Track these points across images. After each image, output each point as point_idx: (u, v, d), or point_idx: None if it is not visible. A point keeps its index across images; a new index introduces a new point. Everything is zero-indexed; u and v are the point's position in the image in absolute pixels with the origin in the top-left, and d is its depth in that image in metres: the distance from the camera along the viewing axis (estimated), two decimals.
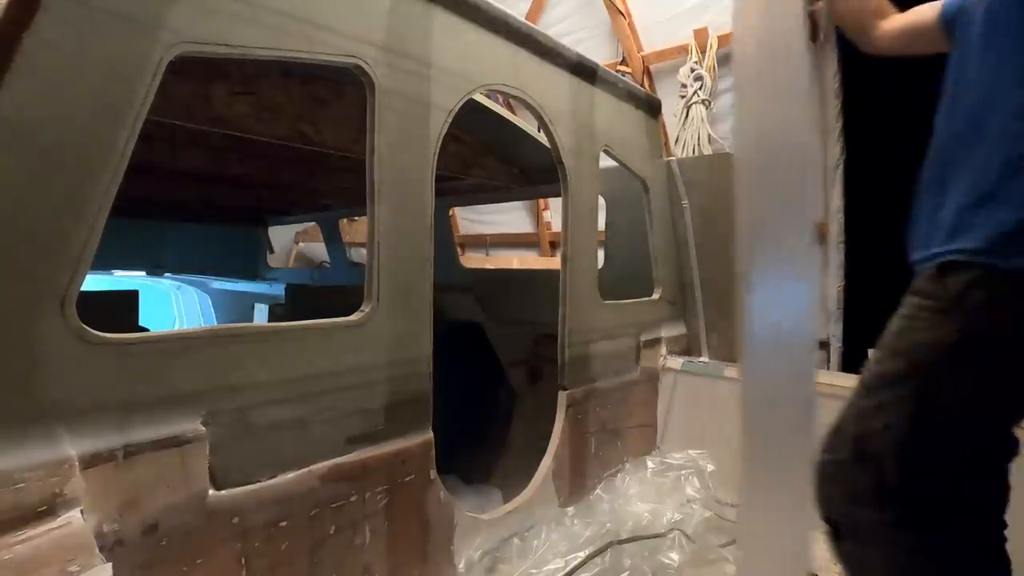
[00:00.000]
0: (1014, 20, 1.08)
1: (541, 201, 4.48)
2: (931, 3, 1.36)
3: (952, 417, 1.10)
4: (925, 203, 1.22)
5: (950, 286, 1.08)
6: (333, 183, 3.16)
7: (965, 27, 1.20)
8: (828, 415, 2.20)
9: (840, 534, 1.19)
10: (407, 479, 1.45)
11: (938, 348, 1.08)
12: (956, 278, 1.07)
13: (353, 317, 1.35)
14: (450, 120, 1.56)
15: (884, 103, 2.86)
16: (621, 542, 1.82)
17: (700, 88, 3.46)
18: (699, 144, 3.45)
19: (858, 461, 1.16)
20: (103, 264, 4.62)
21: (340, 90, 1.99)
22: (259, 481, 1.16)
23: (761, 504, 1.18)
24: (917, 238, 1.22)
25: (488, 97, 2.07)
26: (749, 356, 1.17)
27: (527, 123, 2.38)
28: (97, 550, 0.86)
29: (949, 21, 1.30)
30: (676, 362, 2.58)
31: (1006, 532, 1.13)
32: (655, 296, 2.64)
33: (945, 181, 1.17)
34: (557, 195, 2.09)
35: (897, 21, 1.43)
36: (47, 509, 0.86)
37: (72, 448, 0.90)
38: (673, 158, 2.85)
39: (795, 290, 1.14)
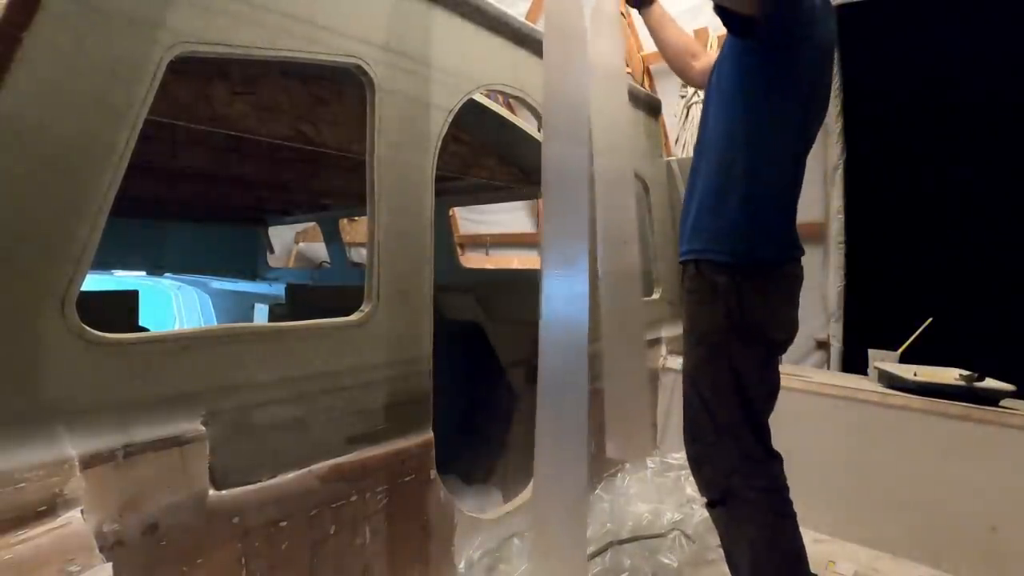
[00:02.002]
0: (725, 86, 1.44)
1: (541, 201, 4.48)
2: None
3: (748, 370, 1.38)
4: (682, 212, 1.56)
5: (706, 277, 1.41)
6: (333, 183, 3.16)
7: (713, 73, 1.55)
8: (824, 414, 2.20)
9: (715, 504, 1.43)
10: (407, 479, 1.45)
11: (719, 327, 1.39)
12: (708, 270, 1.41)
13: (353, 317, 1.35)
14: (450, 120, 1.56)
15: (884, 103, 2.86)
16: (621, 542, 1.82)
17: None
18: None
19: (720, 440, 1.40)
20: (103, 264, 4.61)
21: (340, 90, 1.99)
22: (259, 481, 1.16)
23: (547, 493, 1.31)
24: (680, 239, 1.56)
25: (488, 97, 2.07)
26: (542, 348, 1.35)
27: (527, 123, 2.38)
28: (97, 550, 0.86)
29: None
30: (676, 362, 2.58)
31: None
32: (655, 296, 2.64)
33: (692, 195, 1.51)
34: None
35: (704, 60, 1.78)
36: (47, 509, 0.86)
37: (72, 448, 0.90)
38: (673, 158, 2.85)
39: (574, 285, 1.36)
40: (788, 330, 1.46)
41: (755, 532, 1.35)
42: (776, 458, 1.42)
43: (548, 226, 1.34)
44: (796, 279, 1.47)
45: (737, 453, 1.38)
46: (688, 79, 1.86)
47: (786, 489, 1.41)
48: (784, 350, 1.48)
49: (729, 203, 1.40)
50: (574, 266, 1.34)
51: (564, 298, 1.34)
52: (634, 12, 1.87)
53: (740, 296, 1.36)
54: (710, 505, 1.45)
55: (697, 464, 1.47)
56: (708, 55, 1.79)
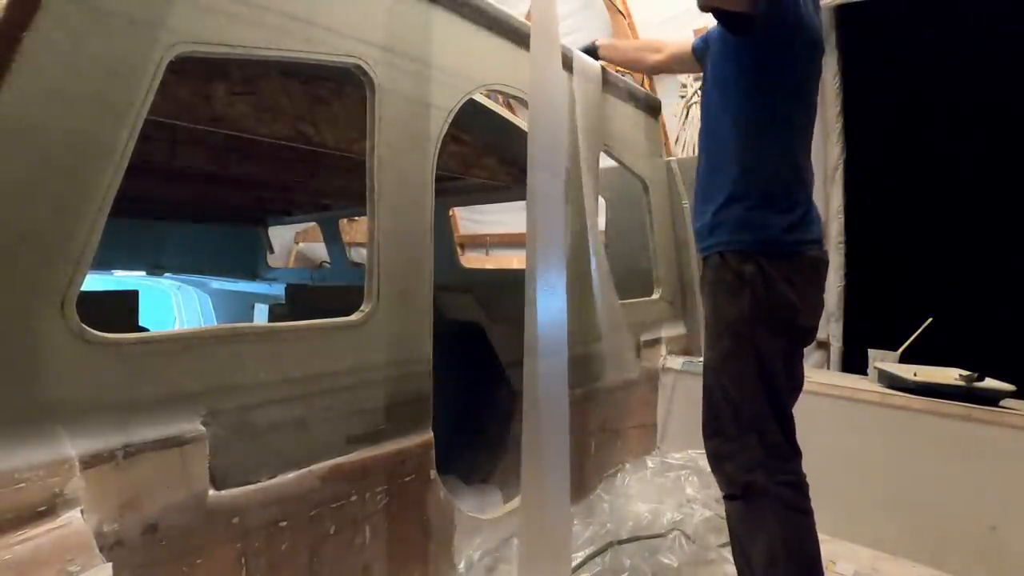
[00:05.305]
0: (727, 84, 1.48)
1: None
2: (688, 39, 1.90)
3: (774, 361, 1.39)
4: (697, 208, 1.58)
5: (732, 267, 1.42)
6: (333, 183, 3.16)
7: (706, 63, 1.62)
8: (824, 414, 2.20)
9: (734, 497, 1.42)
10: (407, 479, 1.45)
11: (746, 316, 1.39)
12: (734, 260, 1.42)
13: (353, 317, 1.35)
14: (450, 120, 1.56)
15: (884, 103, 2.86)
16: (621, 542, 1.81)
17: (700, 88, 3.46)
18: None
19: (743, 435, 1.40)
20: (103, 264, 4.62)
21: (340, 90, 1.99)
22: (259, 481, 1.16)
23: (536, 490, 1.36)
24: (698, 235, 1.58)
25: (488, 97, 2.07)
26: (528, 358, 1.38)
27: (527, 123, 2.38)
28: (97, 550, 0.86)
29: (698, 55, 1.81)
30: (676, 362, 2.58)
31: None
32: (655, 296, 2.64)
33: (707, 192, 1.53)
34: None
35: (669, 49, 1.96)
36: (47, 509, 0.86)
37: (72, 448, 0.90)
38: (673, 158, 2.85)
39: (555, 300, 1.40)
40: (814, 316, 1.46)
41: (774, 527, 1.33)
42: (799, 454, 1.42)
43: (536, 247, 1.42)
44: (822, 263, 1.48)
45: (761, 447, 1.37)
46: (645, 69, 2.19)
47: (806, 486, 1.41)
48: (809, 340, 1.47)
49: (749, 194, 1.43)
50: (555, 284, 1.42)
51: (549, 312, 1.39)
52: (632, 9, 1.95)
53: (767, 283, 1.37)
54: (728, 499, 1.44)
55: (718, 460, 1.46)
56: (674, 45, 1.96)
